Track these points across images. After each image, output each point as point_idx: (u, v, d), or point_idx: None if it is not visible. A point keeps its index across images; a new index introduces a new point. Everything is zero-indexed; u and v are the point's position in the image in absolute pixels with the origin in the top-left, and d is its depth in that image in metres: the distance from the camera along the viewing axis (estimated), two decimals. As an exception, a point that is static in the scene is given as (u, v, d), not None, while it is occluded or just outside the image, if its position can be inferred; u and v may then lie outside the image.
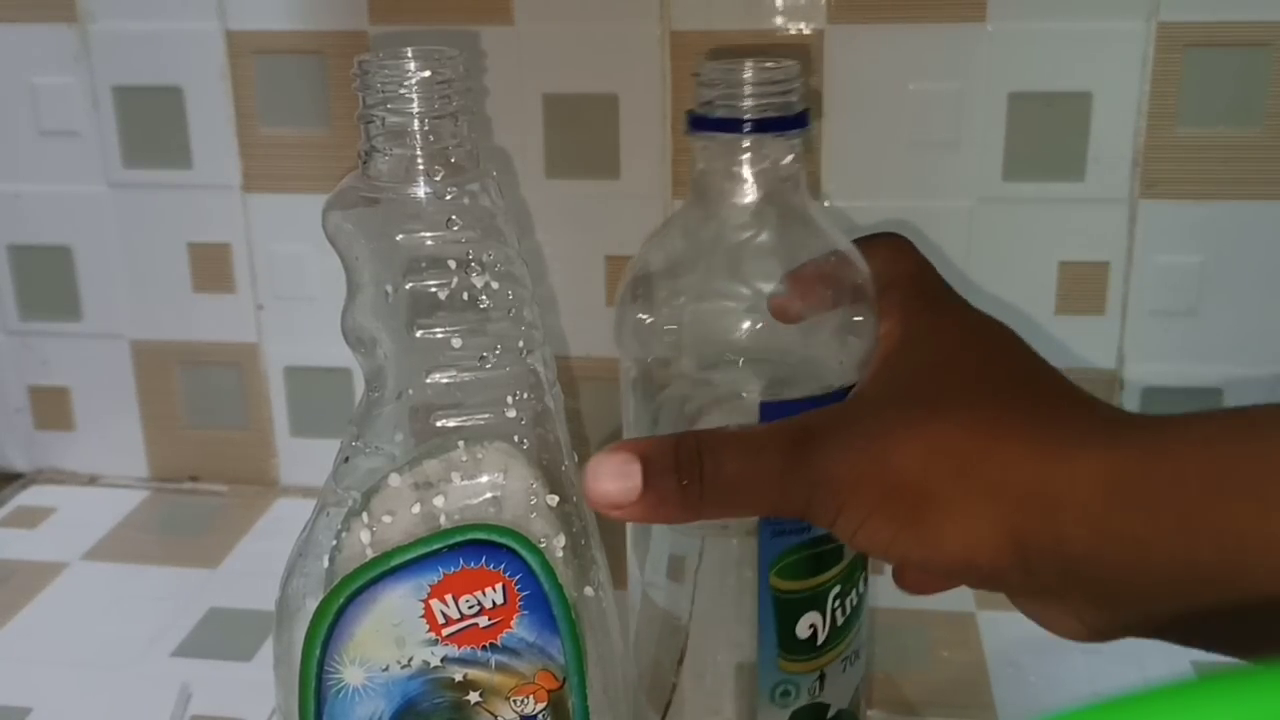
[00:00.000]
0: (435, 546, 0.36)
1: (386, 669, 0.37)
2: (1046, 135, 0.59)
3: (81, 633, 0.57)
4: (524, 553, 0.37)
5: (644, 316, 0.42)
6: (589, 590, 0.39)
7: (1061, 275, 0.61)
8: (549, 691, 0.38)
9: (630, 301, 0.43)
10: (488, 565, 0.37)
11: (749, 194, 0.41)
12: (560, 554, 0.38)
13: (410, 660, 0.37)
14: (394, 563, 0.36)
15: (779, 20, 0.59)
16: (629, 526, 0.44)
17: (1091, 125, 0.58)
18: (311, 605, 0.37)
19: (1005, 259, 0.61)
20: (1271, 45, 0.57)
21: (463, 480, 0.37)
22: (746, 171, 0.41)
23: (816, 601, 0.41)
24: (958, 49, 0.58)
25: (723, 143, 0.40)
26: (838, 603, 0.42)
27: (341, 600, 0.36)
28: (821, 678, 0.42)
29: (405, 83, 0.37)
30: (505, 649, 0.37)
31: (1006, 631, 0.55)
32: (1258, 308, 0.60)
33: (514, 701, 0.38)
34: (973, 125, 0.59)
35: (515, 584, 0.37)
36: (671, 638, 0.43)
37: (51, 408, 0.70)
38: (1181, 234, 0.59)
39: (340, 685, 0.37)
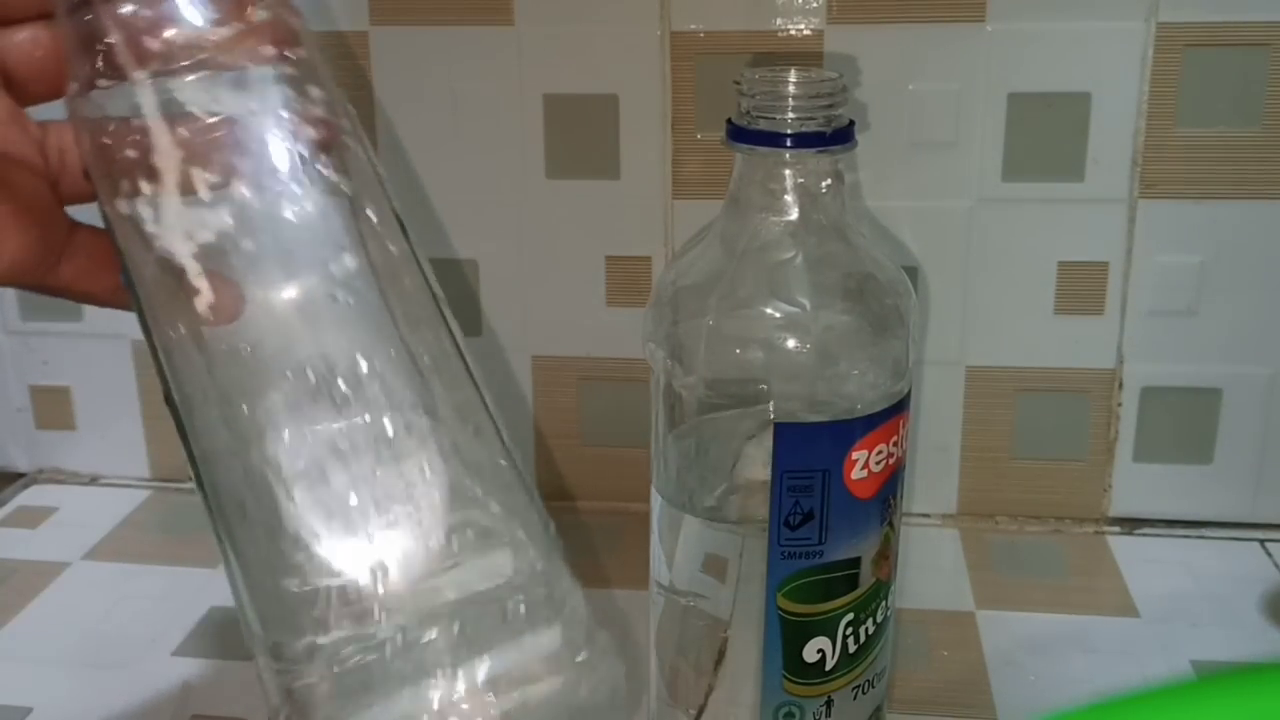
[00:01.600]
0: None
1: None
2: (1046, 135, 0.59)
3: (82, 633, 0.57)
4: None
5: (672, 324, 0.42)
6: (123, 204, 0.30)
7: (1061, 275, 0.61)
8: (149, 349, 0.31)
9: (660, 307, 0.42)
10: None
11: (787, 209, 0.40)
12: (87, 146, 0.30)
13: None
14: None
15: (779, 20, 0.59)
16: (654, 521, 0.44)
17: (1091, 125, 0.59)
18: None
19: (1005, 259, 0.61)
20: (1271, 45, 0.57)
21: None
22: (786, 186, 0.40)
23: (826, 627, 0.41)
24: (958, 49, 0.58)
25: (762, 155, 0.40)
26: (850, 630, 0.41)
27: None
28: (829, 703, 0.42)
29: None
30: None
31: (1006, 631, 0.55)
32: (1257, 307, 0.60)
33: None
34: (972, 125, 0.59)
35: None
36: (707, 639, 0.43)
37: (52, 407, 0.70)
38: (1181, 234, 0.60)
39: None
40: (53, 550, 0.64)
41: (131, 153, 0.29)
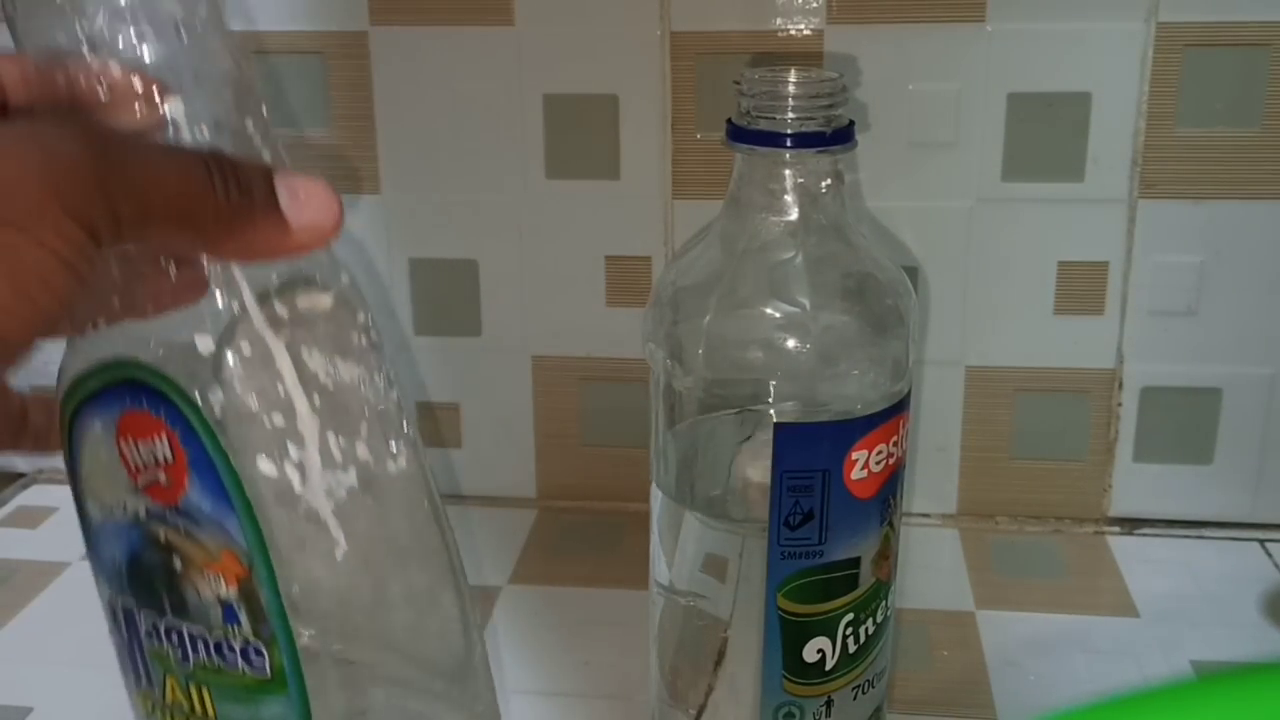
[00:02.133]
0: (106, 378, 0.32)
1: (112, 510, 0.33)
2: (1046, 135, 0.59)
3: (82, 633, 0.57)
4: (179, 401, 0.31)
5: (672, 324, 0.42)
6: (265, 464, 0.32)
7: (1061, 275, 0.61)
8: (237, 577, 0.32)
9: (660, 307, 0.42)
10: (150, 410, 0.31)
11: (787, 209, 0.40)
12: (219, 413, 0.31)
13: (125, 505, 0.33)
14: (88, 389, 0.32)
15: (779, 20, 0.59)
16: (654, 521, 0.44)
17: (1091, 125, 0.58)
18: None
19: (1004, 259, 0.61)
20: (1270, 45, 0.57)
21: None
22: (786, 186, 0.40)
23: (826, 627, 0.41)
24: (957, 49, 0.58)
25: (762, 155, 0.40)
26: (850, 630, 0.41)
27: (69, 425, 0.33)
28: (829, 703, 0.42)
29: None
30: (186, 515, 0.32)
31: (1006, 631, 0.55)
32: (1257, 307, 0.60)
33: (209, 578, 0.32)
34: (972, 125, 0.59)
35: (178, 438, 0.31)
36: (707, 639, 0.43)
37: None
38: (1180, 234, 0.60)
39: (89, 518, 0.34)
40: (53, 550, 0.64)
41: (280, 421, 0.32)
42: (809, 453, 0.39)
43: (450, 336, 0.65)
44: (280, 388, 0.32)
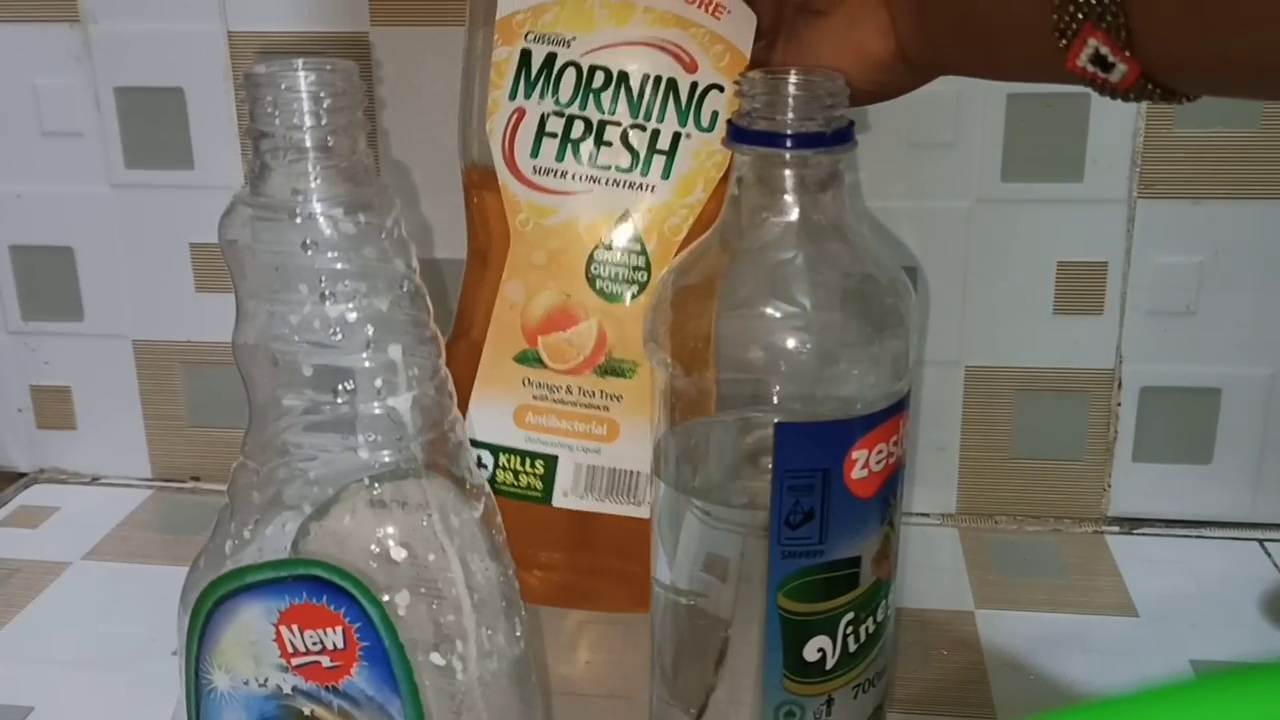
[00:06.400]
0: (281, 573, 0.35)
1: (247, 683, 0.37)
2: (1045, 136, 0.59)
3: (83, 632, 0.57)
4: (364, 601, 0.35)
5: (673, 324, 0.42)
6: (436, 657, 0.37)
7: (1060, 275, 0.61)
8: None
9: (661, 307, 0.42)
10: (329, 605, 0.35)
11: (787, 209, 0.40)
12: (403, 612, 0.36)
13: (266, 680, 0.37)
14: (248, 580, 0.36)
15: (779, 21, 0.59)
16: (655, 520, 0.44)
17: (1090, 126, 0.59)
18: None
19: (1004, 259, 0.61)
20: (1270, 46, 0.57)
21: (314, 520, 0.36)
22: (786, 186, 0.40)
23: (827, 626, 0.41)
24: (957, 50, 0.58)
25: (762, 155, 0.40)
26: (850, 629, 0.41)
27: (209, 605, 0.36)
28: (829, 702, 0.42)
29: (299, 96, 0.34)
30: (346, 695, 0.36)
31: (1006, 631, 0.55)
32: (1256, 308, 0.60)
33: None
34: (972, 125, 0.59)
35: (355, 631, 0.36)
36: (708, 638, 0.43)
37: (53, 407, 0.70)
38: (1179, 234, 0.60)
39: (211, 687, 0.37)
40: (53, 550, 0.64)
41: (452, 618, 0.37)
42: (809, 452, 0.39)
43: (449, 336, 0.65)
44: (453, 590, 0.37)
